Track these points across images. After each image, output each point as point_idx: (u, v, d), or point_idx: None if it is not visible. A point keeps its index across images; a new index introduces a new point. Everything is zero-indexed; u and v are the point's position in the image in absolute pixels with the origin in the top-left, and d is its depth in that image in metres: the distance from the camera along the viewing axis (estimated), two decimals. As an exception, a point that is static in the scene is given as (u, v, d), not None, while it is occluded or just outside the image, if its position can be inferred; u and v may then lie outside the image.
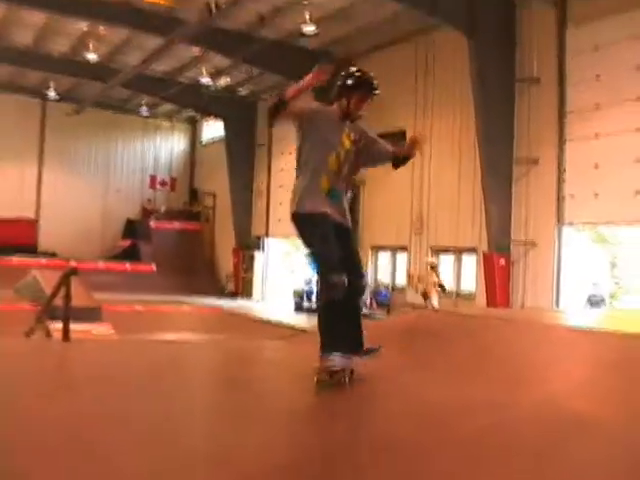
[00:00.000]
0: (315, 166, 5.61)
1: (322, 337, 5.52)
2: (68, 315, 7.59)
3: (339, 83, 5.76)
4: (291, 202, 5.69)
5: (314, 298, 26.74)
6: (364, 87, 5.73)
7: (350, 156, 5.78)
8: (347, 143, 5.73)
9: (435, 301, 18.70)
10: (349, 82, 5.73)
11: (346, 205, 5.87)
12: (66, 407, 4.67)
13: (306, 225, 5.60)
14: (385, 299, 23.84)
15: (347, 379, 5.44)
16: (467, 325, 7.72)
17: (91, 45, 26.47)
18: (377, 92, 5.75)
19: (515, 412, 4.95)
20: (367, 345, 5.70)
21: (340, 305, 5.42)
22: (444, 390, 5.53)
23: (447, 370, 6.16)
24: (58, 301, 8.90)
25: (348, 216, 5.88)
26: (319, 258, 5.58)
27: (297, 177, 5.72)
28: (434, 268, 19.56)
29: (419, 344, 7.28)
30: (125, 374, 6.08)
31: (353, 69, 5.84)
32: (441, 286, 19.10)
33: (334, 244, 5.48)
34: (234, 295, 32.12)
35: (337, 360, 5.40)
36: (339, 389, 5.39)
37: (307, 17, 21.44)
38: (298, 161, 5.74)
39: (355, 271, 5.63)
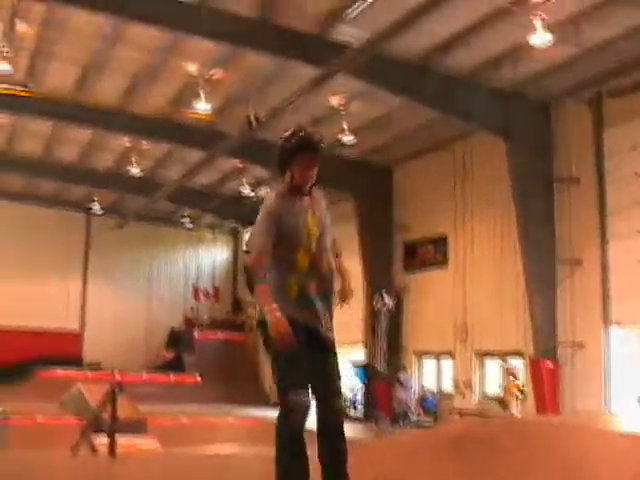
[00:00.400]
0: (282, 268, 4.56)
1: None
2: (114, 430, 7.57)
3: (276, 157, 4.79)
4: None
5: (360, 406, 26.29)
6: (301, 148, 4.74)
7: (322, 241, 4.70)
8: (314, 228, 4.69)
9: (514, 409, 18.49)
10: (282, 150, 4.77)
11: (330, 310, 4.68)
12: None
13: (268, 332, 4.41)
14: (432, 406, 23.44)
15: None
16: (522, 433, 7.51)
17: (134, 160, 27.22)
18: (320, 146, 4.79)
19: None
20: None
21: (300, 438, 4.39)
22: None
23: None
24: (104, 414, 8.88)
25: (329, 322, 4.65)
26: (279, 370, 4.52)
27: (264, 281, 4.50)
28: (514, 374, 19.35)
29: (471, 454, 7.06)
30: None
31: (285, 134, 4.83)
32: (521, 391, 18.90)
33: (300, 354, 4.41)
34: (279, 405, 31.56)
35: None
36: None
37: (345, 127, 21.82)
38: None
39: (328, 389, 4.58)
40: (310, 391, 4.46)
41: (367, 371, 26.24)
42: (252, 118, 20.89)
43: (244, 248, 5.12)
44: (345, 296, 4.77)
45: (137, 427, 13.92)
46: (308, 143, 4.75)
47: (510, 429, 7.74)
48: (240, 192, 30.19)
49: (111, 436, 7.57)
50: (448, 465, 6.42)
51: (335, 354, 4.65)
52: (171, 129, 23.94)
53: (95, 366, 32.62)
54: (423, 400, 23.85)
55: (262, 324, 4.47)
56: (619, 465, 6.07)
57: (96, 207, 34.54)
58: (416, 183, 24.96)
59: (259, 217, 4.61)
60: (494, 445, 7.04)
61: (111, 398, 7.62)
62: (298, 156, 4.71)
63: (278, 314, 4.34)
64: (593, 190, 18.41)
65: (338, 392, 4.62)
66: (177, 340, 36.51)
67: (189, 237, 38.84)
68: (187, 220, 36.76)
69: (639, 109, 17.32)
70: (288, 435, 4.40)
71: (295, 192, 4.74)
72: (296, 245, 4.59)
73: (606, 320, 18.01)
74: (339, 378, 4.65)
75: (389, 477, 6.40)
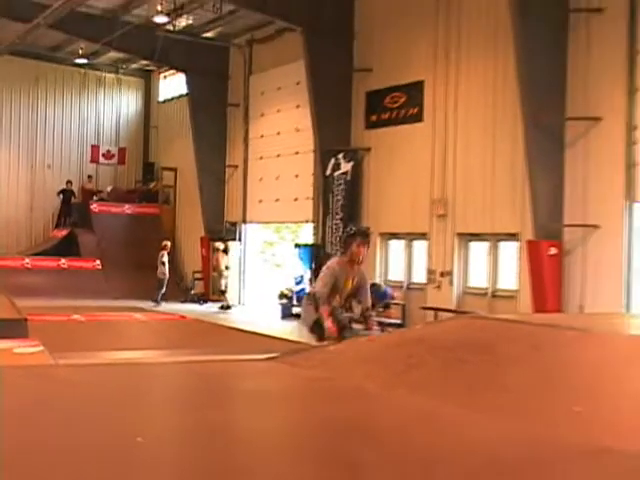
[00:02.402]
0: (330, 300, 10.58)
1: None
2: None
3: (343, 241, 10.66)
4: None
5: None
6: (358, 236, 10.48)
7: (349, 292, 10.82)
8: (349, 286, 10.63)
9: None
10: (346, 236, 10.76)
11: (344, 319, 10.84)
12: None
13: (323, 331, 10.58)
14: (384, 297, 23.03)
15: None
16: (515, 336, 7.19)
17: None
18: (368, 236, 10.81)
19: (616, 465, 4.38)
20: None
21: None
22: (512, 435, 4.97)
23: (504, 404, 5.60)
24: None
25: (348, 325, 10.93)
26: None
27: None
28: None
29: (458, 366, 6.72)
30: (48, 417, 5.49)
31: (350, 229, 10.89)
32: None
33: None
34: (202, 299, 31.60)
35: None
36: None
37: None
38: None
39: None
40: None
41: (314, 253, 26.07)
42: None
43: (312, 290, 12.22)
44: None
45: (13, 327, 13.47)
46: (364, 233, 10.88)
47: (494, 330, 7.47)
48: (152, 21, 29.23)
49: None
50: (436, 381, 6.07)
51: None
52: None
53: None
54: (377, 291, 23.59)
55: (319, 325, 10.51)
56: (629, 373, 5.82)
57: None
58: (385, 12, 24.24)
59: (327, 272, 10.74)
60: (473, 349, 6.78)
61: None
62: (356, 239, 10.51)
63: (331, 323, 10.46)
64: (621, 23, 17.84)
65: None
66: (71, 214, 36.01)
67: (85, 79, 37.77)
68: (81, 57, 35.54)
69: None
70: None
71: (350, 263, 10.65)
72: (339, 292, 10.74)
73: (630, 195, 17.78)
74: None
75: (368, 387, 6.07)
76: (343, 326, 10.67)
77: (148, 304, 28.31)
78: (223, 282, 29.93)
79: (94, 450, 4.70)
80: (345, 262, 10.60)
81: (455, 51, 21.89)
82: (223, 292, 29.96)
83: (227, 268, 30.00)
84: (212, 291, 31.30)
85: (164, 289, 30.01)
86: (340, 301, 10.73)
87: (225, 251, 30.41)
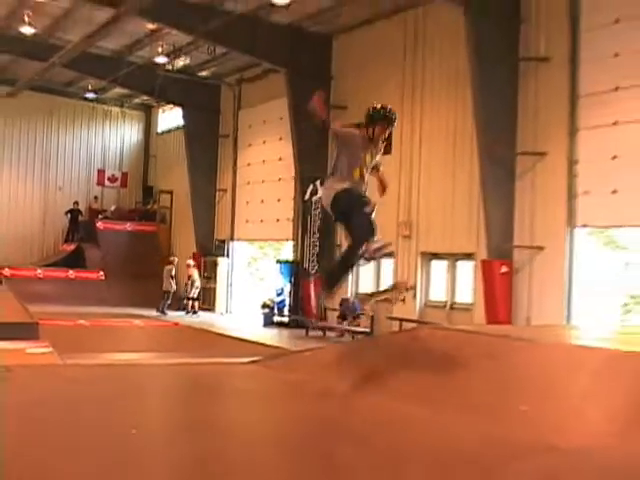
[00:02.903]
0: (344, 174, 7.93)
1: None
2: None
3: (365, 116, 7.83)
4: (326, 195, 8.19)
5: (286, 311, 26.25)
6: (384, 120, 7.81)
7: (368, 168, 8.06)
8: (367, 160, 7.95)
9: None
10: (372, 115, 7.81)
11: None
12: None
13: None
14: (354, 310, 23.05)
15: None
16: (471, 344, 7.19)
17: (27, 16, 25.75)
18: (395, 123, 7.89)
19: (558, 460, 4.40)
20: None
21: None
22: (466, 432, 4.96)
23: (464, 406, 5.59)
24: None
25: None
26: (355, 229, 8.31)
27: (329, 176, 8.18)
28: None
29: (420, 370, 6.71)
30: (56, 411, 5.45)
31: (377, 105, 7.91)
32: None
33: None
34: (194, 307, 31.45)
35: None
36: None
37: (279, -14, 20.89)
38: (333, 166, 8.08)
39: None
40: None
41: (293, 268, 26.08)
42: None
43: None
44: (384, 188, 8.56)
45: (26, 330, 13.37)
46: (390, 118, 7.87)
47: (453, 339, 7.48)
48: (154, 61, 29.25)
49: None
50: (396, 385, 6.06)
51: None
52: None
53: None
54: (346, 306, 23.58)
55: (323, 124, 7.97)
56: (570, 378, 5.84)
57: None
58: (358, 57, 24.24)
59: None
60: (434, 356, 6.79)
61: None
62: (381, 123, 7.80)
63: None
64: (564, 71, 17.83)
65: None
66: (78, 231, 35.91)
67: (93, 112, 37.76)
68: (90, 92, 35.53)
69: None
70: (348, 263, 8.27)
71: (369, 141, 7.89)
72: (355, 164, 7.97)
73: (571, 221, 17.77)
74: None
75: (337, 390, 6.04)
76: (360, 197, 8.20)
77: (153, 314, 28.10)
78: (194, 291, 30.02)
79: (95, 440, 4.69)
80: (365, 137, 7.95)
81: (420, 92, 21.87)
82: (195, 299, 30.19)
83: (197, 280, 30.23)
84: (202, 301, 31.13)
85: (169, 300, 29.49)
86: (362, 174, 8.03)
87: (195, 266, 30.62)
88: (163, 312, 28.84)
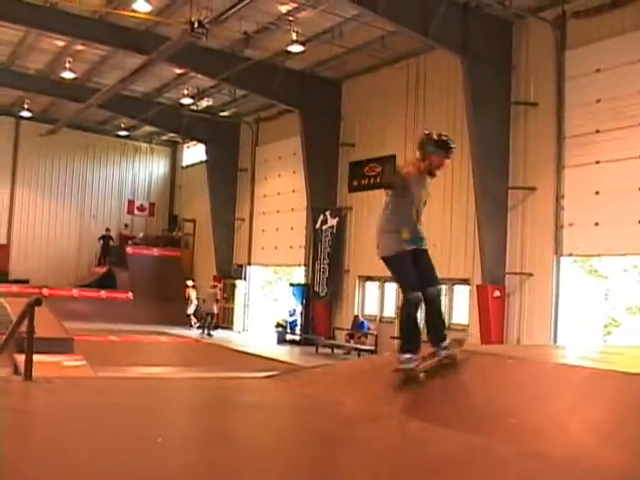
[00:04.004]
0: (404, 220, 7.01)
1: (401, 340, 7.02)
2: (31, 350, 6.95)
3: (422, 147, 6.98)
4: (381, 246, 7.23)
5: (298, 330, 26.25)
6: (443, 149, 6.94)
7: (424, 205, 7.20)
8: (425, 197, 7.12)
9: None
10: (430, 146, 6.94)
11: (421, 234, 7.18)
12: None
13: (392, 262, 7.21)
14: (364, 328, 23.24)
15: (420, 373, 6.78)
16: (470, 364, 7.18)
17: (68, 63, 25.93)
18: (453, 151, 6.98)
19: (543, 466, 4.41)
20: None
21: (416, 317, 6.99)
22: (459, 441, 4.97)
23: (458, 417, 5.60)
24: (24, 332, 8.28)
25: (424, 241, 7.23)
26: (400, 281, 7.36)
27: (386, 221, 7.11)
28: None
29: (419, 386, 6.72)
30: (85, 421, 5.48)
31: (434, 136, 6.99)
32: None
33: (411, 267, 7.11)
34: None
35: (409, 358, 6.77)
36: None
37: (294, 36, 21.01)
38: (393, 213, 7.04)
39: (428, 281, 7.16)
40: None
41: (305, 291, 26.11)
42: (195, 22, 19.90)
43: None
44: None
45: (62, 344, 13.42)
46: (449, 147, 7.00)
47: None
48: (180, 102, 29.49)
49: (28, 358, 6.94)
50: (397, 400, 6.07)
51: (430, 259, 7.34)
52: (109, 30, 22.78)
53: (23, 283, 31.84)
54: (356, 324, 23.67)
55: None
56: (555, 393, 5.91)
57: (26, 112, 33.12)
58: (366, 100, 24.37)
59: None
60: (446, 376, 6.78)
61: (30, 313, 6.95)
62: (439, 152, 6.95)
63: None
64: (551, 115, 17.91)
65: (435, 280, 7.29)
66: (110, 255, 36.04)
67: (125, 148, 37.98)
68: (123, 130, 35.79)
69: (605, 31, 16.78)
70: (409, 315, 6.97)
71: (426, 173, 7.04)
72: (412, 206, 7.07)
73: (557, 250, 17.78)
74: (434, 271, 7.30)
75: (344, 406, 6.05)
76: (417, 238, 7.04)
77: (201, 335, 27.57)
78: (191, 308, 30.73)
79: (122, 446, 4.71)
80: (422, 170, 6.96)
81: (421, 130, 21.89)
82: (189, 315, 30.75)
83: (194, 300, 30.84)
84: (222, 319, 31.12)
85: (214, 321, 28.48)
86: (417, 216, 7.05)
87: (194, 287, 31.22)
88: (210, 334, 27.63)
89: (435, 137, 6.99)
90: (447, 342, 7.01)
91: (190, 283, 31.32)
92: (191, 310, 30.69)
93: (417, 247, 7.13)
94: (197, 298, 30.57)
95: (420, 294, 6.99)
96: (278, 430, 5.67)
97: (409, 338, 6.94)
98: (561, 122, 17.85)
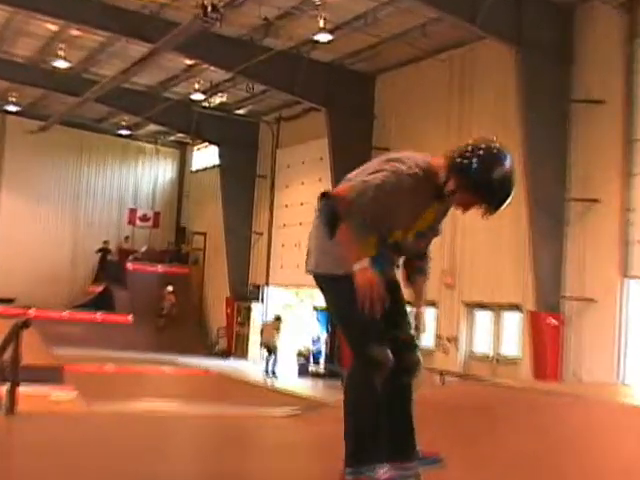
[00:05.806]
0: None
1: (352, 442, 4.52)
2: (16, 382, 6.97)
3: (455, 170, 4.50)
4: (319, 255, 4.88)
5: (322, 360, 26.20)
6: (488, 196, 4.51)
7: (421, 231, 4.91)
8: (428, 220, 4.86)
9: None
10: (467, 179, 4.46)
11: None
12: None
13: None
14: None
15: None
16: (516, 400, 7.17)
17: (61, 50, 26.05)
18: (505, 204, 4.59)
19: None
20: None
21: (377, 394, 4.54)
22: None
23: (511, 466, 5.57)
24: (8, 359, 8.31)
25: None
26: (351, 325, 4.66)
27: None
28: None
29: (458, 421, 6.69)
30: (74, 465, 5.49)
31: (481, 165, 4.42)
32: None
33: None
34: (226, 354, 31.45)
35: (385, 475, 4.46)
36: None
37: (321, 23, 21.04)
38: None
39: (402, 339, 4.75)
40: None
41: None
42: (208, 6, 20.04)
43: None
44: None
45: (50, 374, 13.46)
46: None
47: (503, 396, 7.46)
48: (189, 98, 29.61)
49: (12, 390, 6.96)
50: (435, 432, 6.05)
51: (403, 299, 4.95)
52: (108, 13, 22.87)
53: (8, 303, 31.91)
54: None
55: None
56: (620, 438, 5.84)
57: (12, 106, 33.42)
58: (403, 97, 24.39)
59: (387, 170, 4.73)
60: (484, 412, 6.76)
61: (14, 337, 6.97)
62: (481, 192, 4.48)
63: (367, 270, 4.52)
64: (619, 115, 17.88)
65: (414, 345, 4.81)
66: (107, 271, 36.09)
67: (126, 149, 38.14)
68: (124, 128, 35.97)
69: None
70: (369, 391, 4.49)
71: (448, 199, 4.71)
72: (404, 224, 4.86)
73: (625, 271, 17.66)
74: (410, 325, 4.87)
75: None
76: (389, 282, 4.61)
77: (265, 377, 25.72)
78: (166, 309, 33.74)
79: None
80: (436, 184, 4.55)
81: (465, 138, 21.82)
82: (162, 316, 33.15)
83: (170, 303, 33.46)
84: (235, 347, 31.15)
85: (277, 359, 26.26)
86: (403, 239, 4.73)
87: (173, 292, 33.54)
88: (274, 373, 25.62)
89: (481, 169, 4.41)
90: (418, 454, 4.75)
91: (170, 289, 33.58)
92: (166, 309, 33.39)
93: (387, 275, 4.70)
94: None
95: (389, 353, 4.54)
96: (300, 477, 5.66)
97: (369, 435, 4.55)
98: (630, 123, 17.80)
